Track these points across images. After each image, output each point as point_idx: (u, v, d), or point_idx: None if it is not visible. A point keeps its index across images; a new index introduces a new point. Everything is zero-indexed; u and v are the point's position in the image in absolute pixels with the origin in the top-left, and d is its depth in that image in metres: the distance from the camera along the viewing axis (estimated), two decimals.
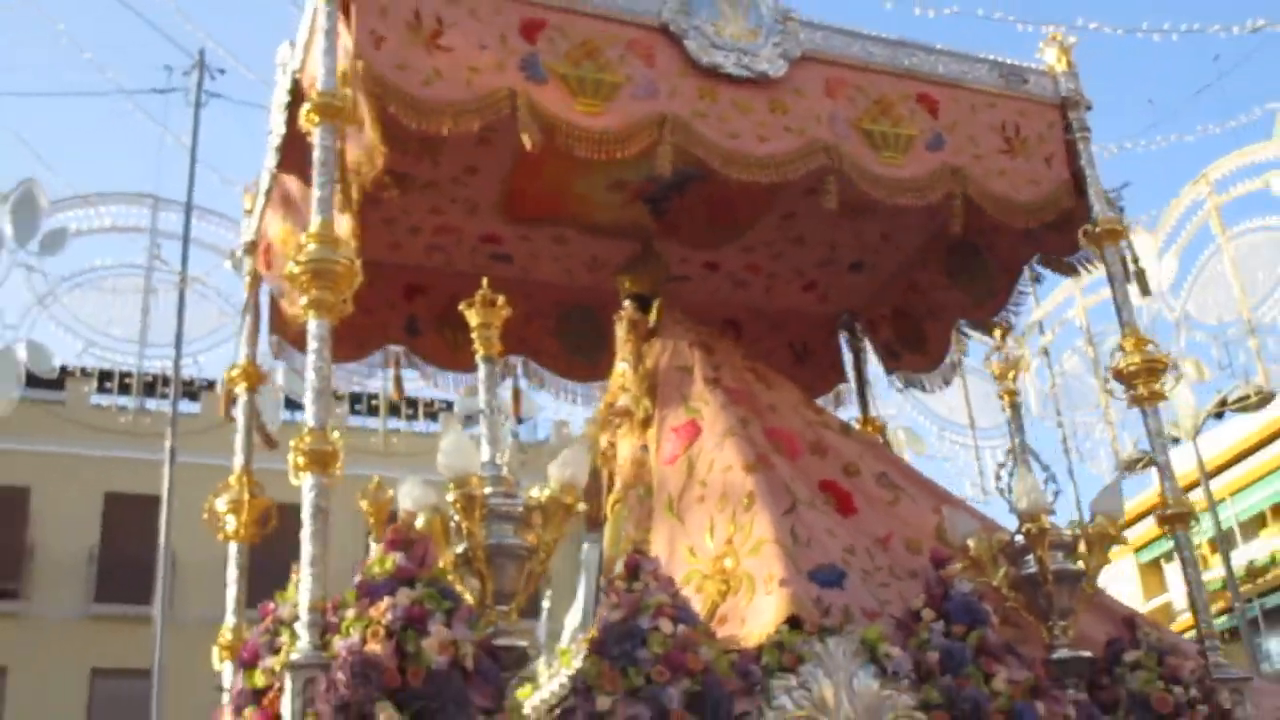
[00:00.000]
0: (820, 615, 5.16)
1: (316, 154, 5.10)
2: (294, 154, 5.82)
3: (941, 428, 13.44)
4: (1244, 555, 29.80)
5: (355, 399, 19.99)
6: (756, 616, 5.17)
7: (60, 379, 15.49)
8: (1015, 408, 5.92)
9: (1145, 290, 6.46)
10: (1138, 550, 33.52)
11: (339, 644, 4.31)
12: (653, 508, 6.01)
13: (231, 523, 6.29)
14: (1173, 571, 33.29)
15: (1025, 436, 5.84)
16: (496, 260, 7.25)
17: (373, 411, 19.97)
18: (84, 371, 15.64)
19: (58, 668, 23.78)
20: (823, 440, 6.38)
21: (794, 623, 5.00)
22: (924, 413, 13.34)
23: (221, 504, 6.33)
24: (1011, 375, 5.92)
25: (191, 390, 20.79)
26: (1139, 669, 5.41)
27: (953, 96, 6.31)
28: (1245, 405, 15.77)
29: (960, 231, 6.16)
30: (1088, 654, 5.45)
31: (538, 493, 4.86)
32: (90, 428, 24.03)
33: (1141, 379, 6.03)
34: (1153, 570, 33.73)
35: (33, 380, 13.26)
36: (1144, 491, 31.55)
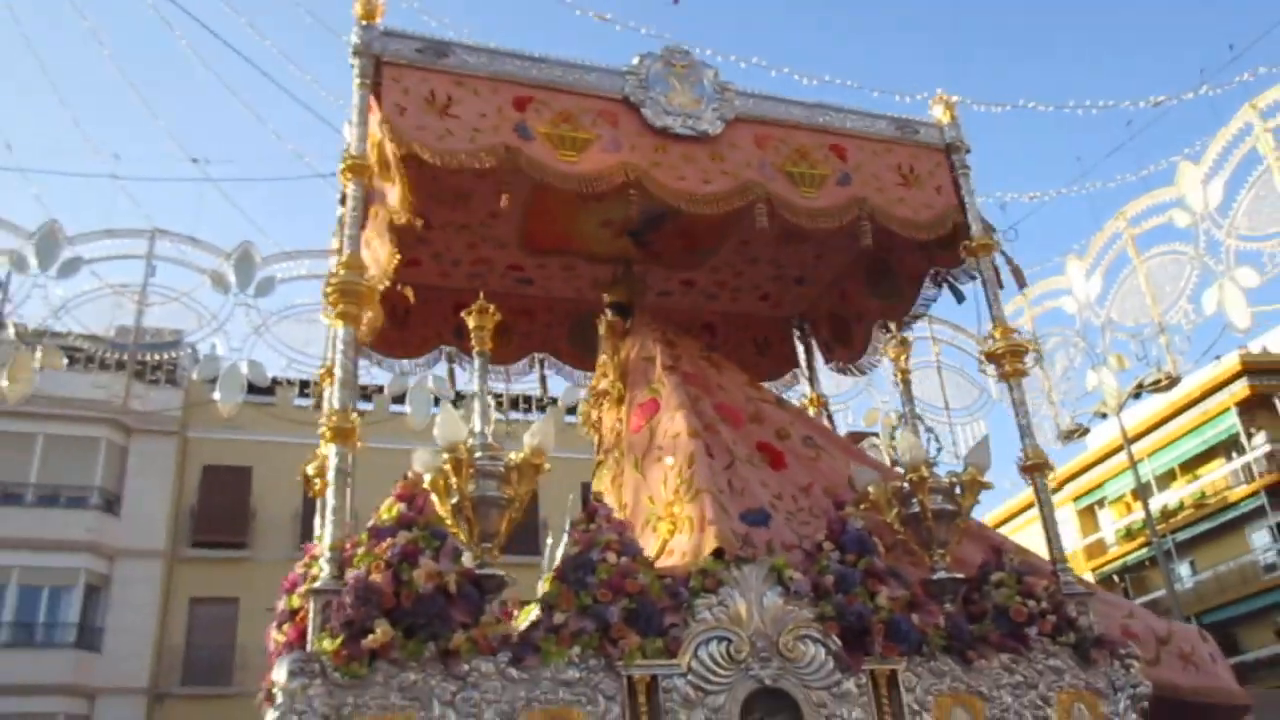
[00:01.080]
0: (739, 548, 4.89)
1: (348, 203, 4.93)
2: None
3: (923, 410, 12.85)
4: (1159, 501, 28.77)
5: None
6: (692, 549, 4.89)
7: (271, 387, 15.63)
8: (907, 384, 5.56)
9: (1022, 284, 6.03)
10: (1076, 499, 32.59)
11: (349, 574, 4.11)
12: (625, 466, 5.75)
13: (318, 484, 6.11)
14: (1104, 516, 32.31)
15: (914, 406, 5.48)
16: (521, 283, 7.03)
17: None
18: (289, 381, 15.73)
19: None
20: (761, 412, 6.07)
21: (719, 554, 4.72)
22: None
23: (310, 470, 6.16)
24: (904, 358, 5.55)
25: (366, 394, 21.02)
26: (1002, 586, 5.03)
27: (858, 145, 5.95)
28: (1158, 387, 15.15)
29: (871, 245, 5.78)
30: (961, 575, 5.09)
31: (514, 455, 4.62)
32: (294, 422, 24.15)
33: (1006, 359, 5.63)
34: (1088, 514, 32.71)
35: (252, 388, 13.29)
36: (1079, 454, 30.73)
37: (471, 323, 4.97)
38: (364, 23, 5.26)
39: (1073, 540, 31.01)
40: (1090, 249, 14.28)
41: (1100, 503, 32.55)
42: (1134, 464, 22.43)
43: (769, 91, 5.93)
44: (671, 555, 5.02)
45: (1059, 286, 14.41)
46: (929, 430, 5.41)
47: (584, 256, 6.74)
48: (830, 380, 11.83)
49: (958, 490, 5.18)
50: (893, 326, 6.61)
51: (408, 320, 6.84)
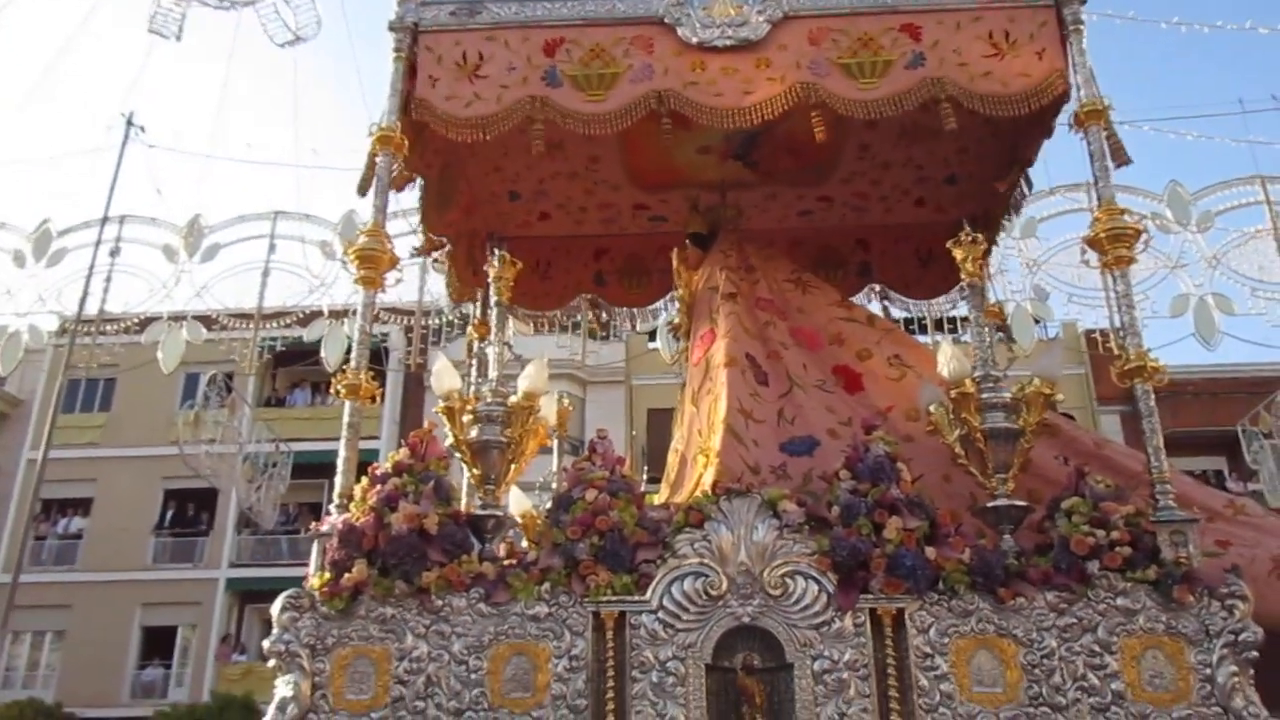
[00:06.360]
0: (760, 479, 4.64)
1: (377, 172, 5.21)
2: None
3: (1254, 288, 10.74)
4: None
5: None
6: (706, 483, 4.71)
7: None
8: (973, 288, 4.85)
9: (1123, 160, 4.94)
10: None
11: (339, 518, 4.47)
12: (685, 400, 5.60)
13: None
14: None
15: (980, 314, 4.77)
16: (653, 221, 6.95)
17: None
18: None
19: None
20: (842, 332, 5.58)
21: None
22: (1230, 275, 10.72)
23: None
24: (971, 259, 4.81)
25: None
26: (1074, 514, 4.29)
27: (937, 20, 5.19)
28: None
29: (956, 128, 5.06)
30: (1022, 503, 4.41)
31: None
32: None
33: (1108, 245, 4.70)
34: None
35: None
36: None
37: (491, 274, 5.08)
38: None
39: None
40: None
41: None
42: None
43: None
44: (701, 488, 4.85)
45: None
46: (1006, 338, 4.64)
47: (699, 186, 6.53)
48: None
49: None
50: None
51: (549, 272, 7.08)
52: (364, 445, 4.65)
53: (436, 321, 14.49)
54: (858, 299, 6.94)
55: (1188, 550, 4.17)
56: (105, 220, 14.69)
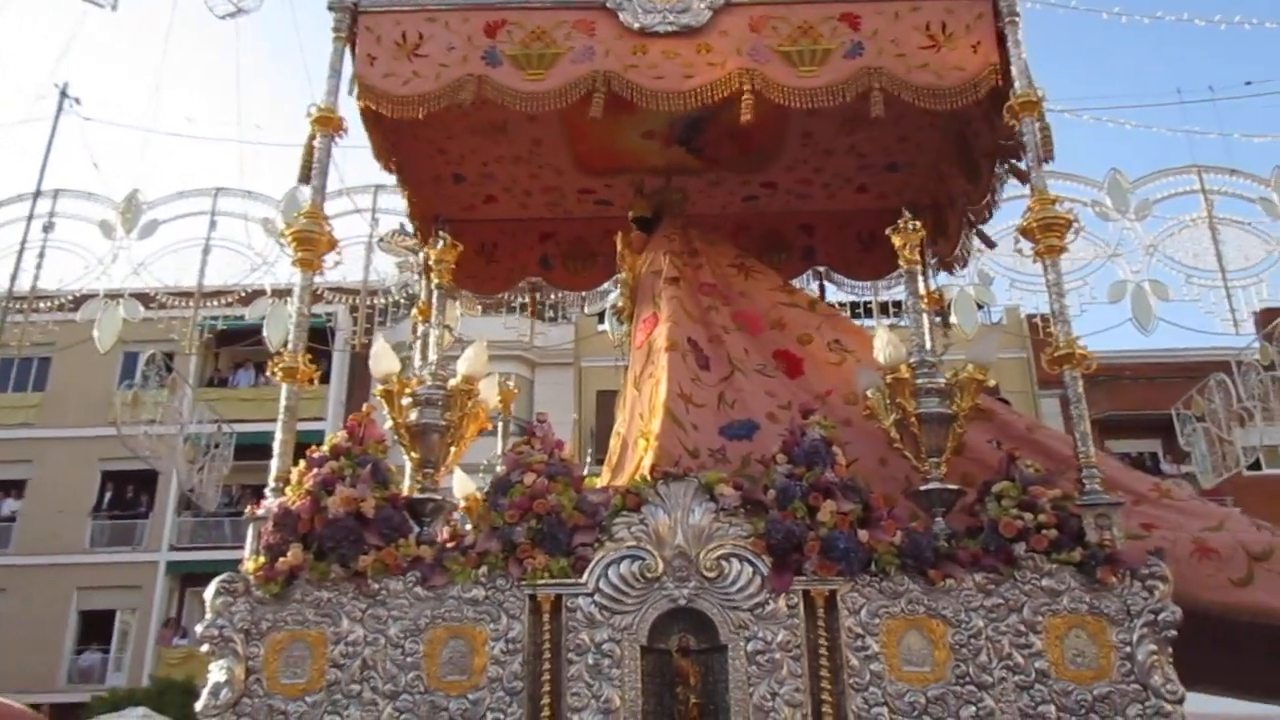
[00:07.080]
0: (697, 462, 4.69)
1: (315, 154, 5.17)
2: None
3: (1189, 275, 10.97)
4: None
5: None
6: (645, 466, 4.76)
7: None
8: (911, 274, 4.93)
9: (1048, 155, 5.02)
10: None
11: (274, 502, 4.45)
12: (628, 384, 5.64)
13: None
14: None
15: (917, 300, 4.86)
16: (599, 205, 6.96)
17: None
18: None
19: None
20: (783, 317, 5.65)
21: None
22: (1166, 262, 10.92)
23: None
24: (908, 246, 4.89)
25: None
26: (1003, 498, 4.40)
27: (876, 10, 5.26)
28: None
29: (881, 115, 5.12)
30: (954, 486, 4.51)
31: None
32: None
33: (1040, 235, 4.80)
34: None
35: None
36: None
37: (433, 258, 5.07)
38: None
39: None
40: None
41: None
42: None
43: None
44: (641, 471, 4.90)
45: None
46: (943, 323, 4.73)
47: (643, 172, 6.55)
48: None
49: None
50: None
51: (494, 254, 7.07)
52: (308, 426, 4.65)
53: (383, 301, 14.39)
54: (799, 280, 7.05)
55: (1112, 533, 4.30)
56: (38, 194, 14.29)
